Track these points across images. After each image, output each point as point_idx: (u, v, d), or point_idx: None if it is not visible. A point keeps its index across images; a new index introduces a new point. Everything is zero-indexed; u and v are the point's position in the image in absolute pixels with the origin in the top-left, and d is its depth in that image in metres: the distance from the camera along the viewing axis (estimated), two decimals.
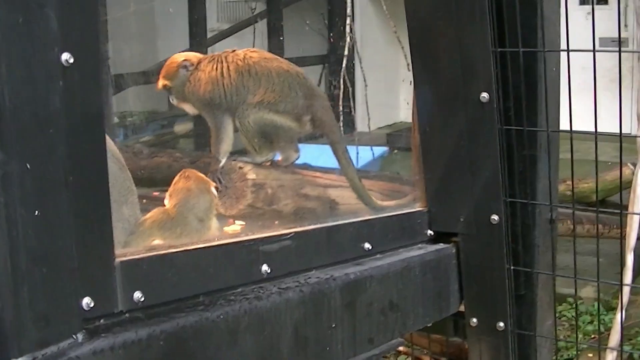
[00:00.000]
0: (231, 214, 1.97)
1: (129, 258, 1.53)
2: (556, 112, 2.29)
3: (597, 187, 2.55)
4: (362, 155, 4.69)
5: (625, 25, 7.89)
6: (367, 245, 2.08)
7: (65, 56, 1.36)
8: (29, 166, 1.31)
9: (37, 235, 1.34)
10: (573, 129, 2.14)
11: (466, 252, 2.27)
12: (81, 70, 1.39)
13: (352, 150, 4.26)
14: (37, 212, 1.33)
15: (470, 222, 2.24)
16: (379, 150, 6.00)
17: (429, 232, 2.29)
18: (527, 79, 2.15)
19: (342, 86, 4.41)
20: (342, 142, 2.50)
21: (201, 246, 1.68)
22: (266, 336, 1.73)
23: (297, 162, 2.57)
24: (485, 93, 2.11)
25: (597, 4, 9.54)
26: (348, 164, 2.47)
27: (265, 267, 1.80)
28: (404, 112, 9.69)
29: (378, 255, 2.11)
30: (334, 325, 1.90)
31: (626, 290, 2.41)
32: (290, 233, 1.86)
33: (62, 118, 1.36)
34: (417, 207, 2.29)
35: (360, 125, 5.63)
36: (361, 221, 2.09)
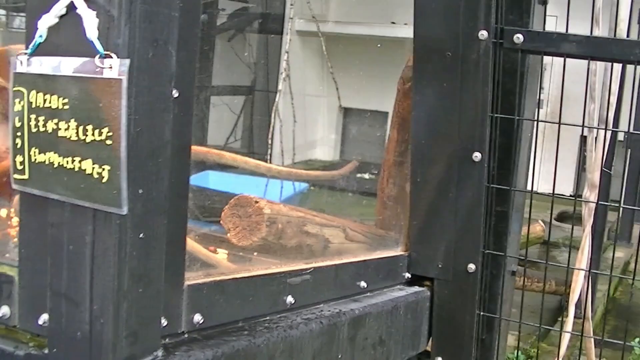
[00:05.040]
0: (245, 245, 2.07)
1: (194, 282, 1.63)
2: (525, 173, 2.50)
3: (527, 241, 2.78)
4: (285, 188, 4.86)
5: None
6: (363, 284, 2.22)
7: (174, 91, 1.46)
8: (140, 192, 1.40)
9: (139, 256, 1.44)
10: None
11: (440, 296, 2.44)
12: (181, 105, 1.49)
13: (277, 183, 4.39)
14: (142, 234, 1.42)
15: (447, 269, 2.40)
16: (299, 186, 6.16)
17: (407, 275, 2.44)
18: (507, 143, 2.35)
19: (272, 120, 4.55)
20: None
21: (247, 275, 1.78)
22: None
23: None
24: (478, 153, 2.29)
25: None
26: None
27: (290, 299, 1.92)
28: (320, 150, 9.72)
29: (368, 294, 2.26)
30: (339, 357, 2.03)
31: (566, 337, 2.64)
32: (310, 268, 1.99)
33: (169, 148, 1.45)
34: (400, 252, 2.44)
35: (277, 160, 5.72)
36: (360, 261, 2.23)
